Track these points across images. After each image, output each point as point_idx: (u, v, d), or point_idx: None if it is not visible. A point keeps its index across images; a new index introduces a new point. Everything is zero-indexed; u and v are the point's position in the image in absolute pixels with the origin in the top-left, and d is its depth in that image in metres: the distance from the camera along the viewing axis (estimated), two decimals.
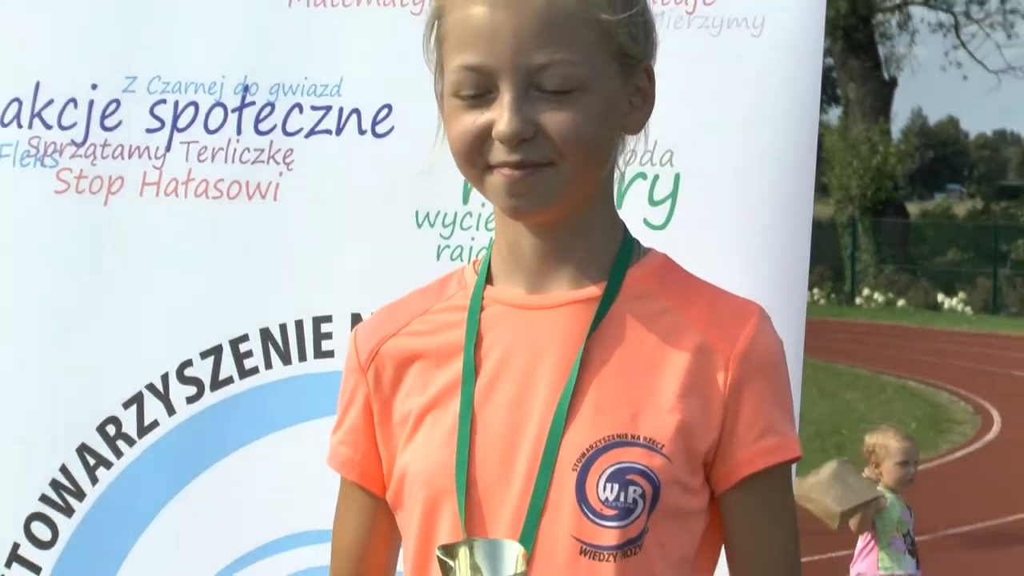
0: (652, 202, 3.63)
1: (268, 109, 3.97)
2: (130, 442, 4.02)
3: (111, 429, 4.03)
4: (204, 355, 3.98)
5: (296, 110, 3.95)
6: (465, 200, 3.78)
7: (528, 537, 2.50)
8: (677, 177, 3.66)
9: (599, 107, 2.51)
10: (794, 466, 2.69)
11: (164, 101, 4.04)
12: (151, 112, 4.05)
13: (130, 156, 4.05)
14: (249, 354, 3.95)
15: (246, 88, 3.99)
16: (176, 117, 4.03)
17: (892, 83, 57.56)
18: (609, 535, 2.50)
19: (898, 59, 60.08)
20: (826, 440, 18.06)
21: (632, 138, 2.66)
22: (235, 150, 3.99)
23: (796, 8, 3.66)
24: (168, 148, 4.03)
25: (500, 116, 2.47)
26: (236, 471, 3.95)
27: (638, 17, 2.57)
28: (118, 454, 4.03)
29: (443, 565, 2.43)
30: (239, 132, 3.98)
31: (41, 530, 4.06)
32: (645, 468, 2.50)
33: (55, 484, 4.05)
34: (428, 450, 2.61)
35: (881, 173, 51.07)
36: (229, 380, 3.97)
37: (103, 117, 4.08)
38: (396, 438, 2.67)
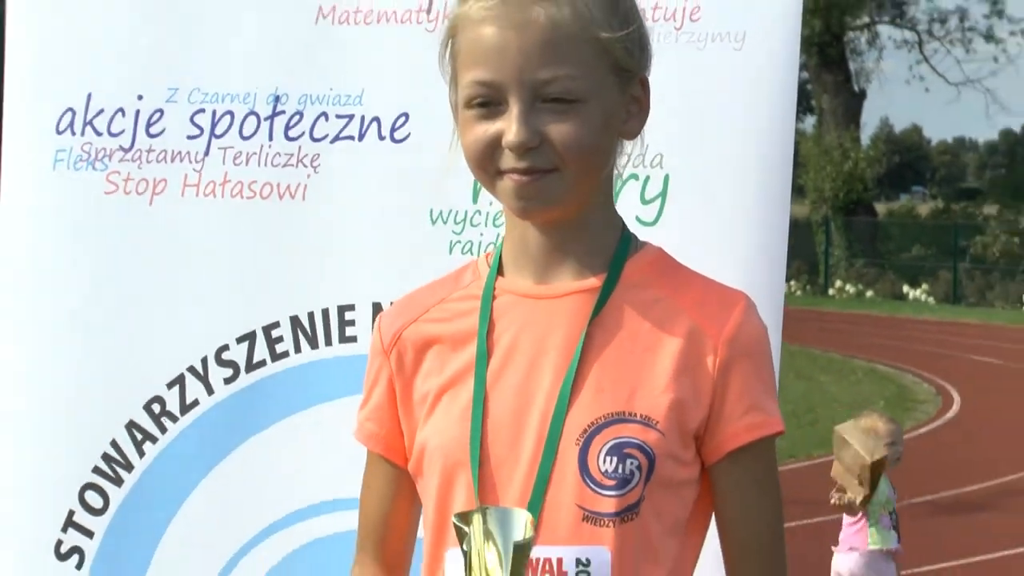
0: (644, 201, 3.63)
1: (297, 117, 3.96)
2: (173, 419, 4.02)
3: (156, 407, 4.03)
4: (240, 340, 3.98)
5: (322, 118, 3.94)
6: (475, 199, 3.77)
7: (535, 505, 2.51)
8: (666, 178, 3.66)
9: (599, 117, 2.52)
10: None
11: (203, 110, 4.03)
12: (191, 120, 4.04)
13: (172, 160, 4.05)
14: (280, 339, 3.95)
15: (277, 98, 3.98)
16: (214, 125, 4.02)
17: (861, 95, 57.66)
18: (608, 503, 2.51)
19: (867, 73, 60.22)
20: (802, 418, 18.06)
21: (629, 143, 2.66)
22: (267, 155, 3.98)
23: (775, 25, 3.65)
24: (207, 153, 4.03)
25: (509, 127, 2.49)
26: (269, 445, 3.95)
27: (634, 33, 2.58)
28: (163, 430, 4.02)
29: (459, 531, 2.42)
30: (271, 138, 3.98)
31: (94, 498, 4.06)
32: (641, 443, 2.52)
33: (106, 457, 4.05)
34: (445, 426, 2.62)
35: (852, 176, 51.10)
36: (262, 363, 3.97)
37: (148, 125, 4.07)
38: (416, 415, 2.68)
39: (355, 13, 3.92)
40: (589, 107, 2.51)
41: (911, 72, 69.49)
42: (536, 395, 2.57)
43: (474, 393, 2.60)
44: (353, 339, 3.89)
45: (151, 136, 4.07)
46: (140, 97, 4.08)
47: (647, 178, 3.63)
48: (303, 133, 3.96)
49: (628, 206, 2.82)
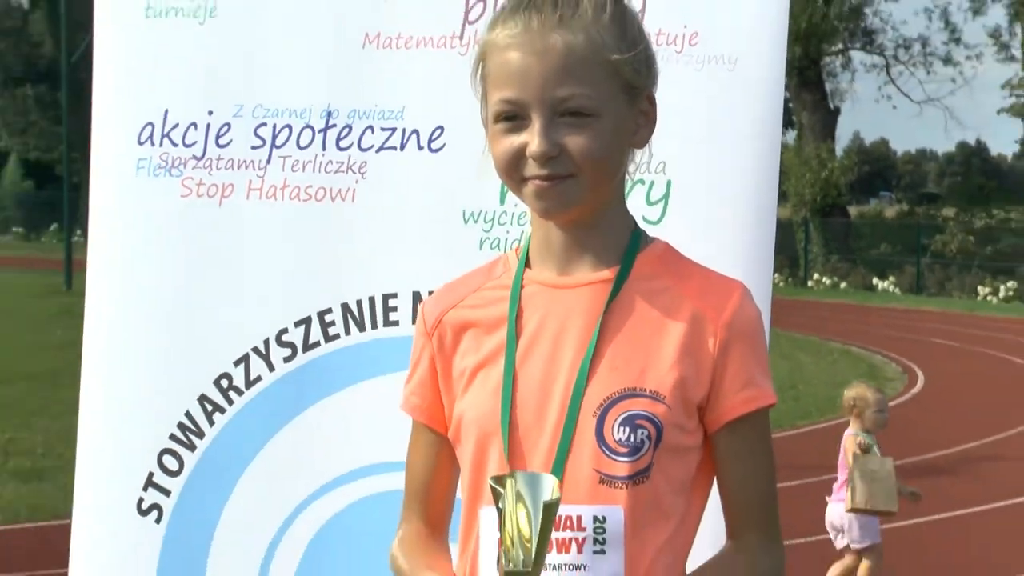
0: (649, 203, 3.63)
1: (346, 130, 3.96)
2: (239, 392, 4.03)
3: (224, 383, 4.03)
4: (297, 324, 3.98)
5: (368, 131, 3.94)
6: (502, 201, 3.77)
7: (558, 469, 2.52)
8: (669, 183, 3.66)
9: (610, 129, 2.52)
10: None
11: (265, 124, 4.03)
12: (255, 133, 4.04)
13: (238, 168, 4.05)
14: (332, 323, 3.95)
15: (329, 113, 3.98)
16: (274, 136, 4.02)
17: (836, 112, 57.58)
18: (622, 468, 2.52)
19: (841, 93, 60.12)
20: (785, 394, 18.03)
21: (638, 151, 2.67)
22: (320, 162, 3.98)
23: (763, 50, 3.65)
24: (268, 161, 4.03)
25: (532, 139, 2.50)
26: (323, 415, 3.95)
27: (640, 55, 2.58)
28: (230, 402, 4.03)
29: (495, 492, 2.41)
30: (324, 148, 3.98)
31: (170, 462, 4.06)
32: (651, 415, 2.53)
33: (181, 426, 4.06)
34: (479, 400, 2.63)
35: (828, 183, 51.06)
36: (317, 344, 3.97)
37: (217, 137, 4.07)
38: (455, 389, 2.69)
39: (397, 39, 3.92)
40: (602, 121, 2.51)
41: (879, 92, 69.80)
42: (559, 373, 2.58)
43: (504, 371, 2.61)
44: (396, 323, 3.89)
45: (220, 146, 4.07)
46: (210, 112, 4.09)
47: (652, 183, 3.64)
48: (352, 144, 3.96)
49: (635, 207, 2.82)
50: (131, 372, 4.14)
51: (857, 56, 60.51)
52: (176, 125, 4.11)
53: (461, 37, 3.83)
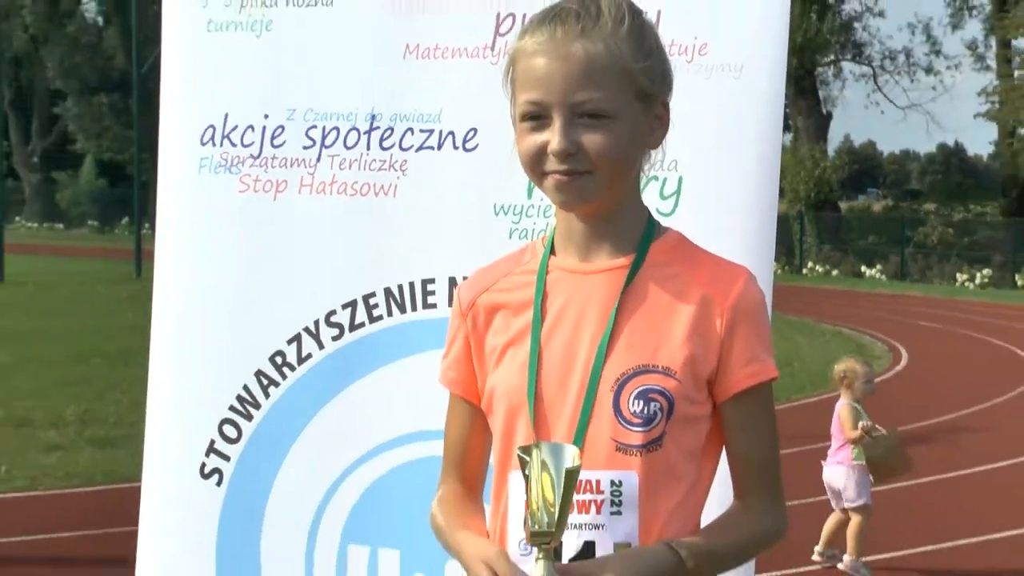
0: (662, 197, 3.62)
1: (389, 132, 3.95)
2: (292, 368, 4.02)
3: (278, 359, 4.03)
4: (344, 306, 3.97)
5: (409, 132, 3.93)
6: (529, 196, 3.76)
7: (579, 439, 2.52)
8: (680, 179, 3.65)
9: (625, 131, 2.52)
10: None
11: (315, 126, 4.03)
12: (306, 134, 4.04)
13: (291, 166, 4.05)
14: (376, 306, 3.94)
15: (373, 117, 3.97)
16: (324, 137, 4.02)
17: (828, 116, 57.56)
18: (636, 437, 2.52)
19: (832, 99, 60.04)
20: (782, 370, 17.49)
21: (653, 151, 2.67)
22: (365, 161, 3.97)
23: (766, 59, 3.63)
24: (318, 160, 4.02)
25: (553, 137, 2.50)
26: (367, 389, 3.95)
27: (655, 65, 2.58)
28: (283, 377, 4.03)
29: (522, 460, 2.43)
30: (368, 148, 3.97)
31: (229, 430, 4.06)
32: (663, 389, 2.52)
33: (239, 398, 4.06)
34: (508, 375, 2.63)
35: (821, 180, 51.01)
36: (362, 324, 3.96)
37: (272, 138, 4.07)
38: (487, 365, 2.69)
39: (434, 49, 3.92)
40: (617, 123, 2.51)
41: (867, 99, 69.49)
42: (579, 351, 2.57)
43: (531, 349, 2.61)
44: (433, 306, 3.88)
45: (275, 147, 4.07)
46: (266, 116, 4.08)
47: (665, 179, 3.63)
48: (394, 144, 3.95)
49: (649, 201, 2.81)
50: (194, 350, 4.15)
51: (847, 66, 60.64)
52: (235, 127, 4.11)
53: (492, 48, 3.82)
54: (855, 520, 9.27)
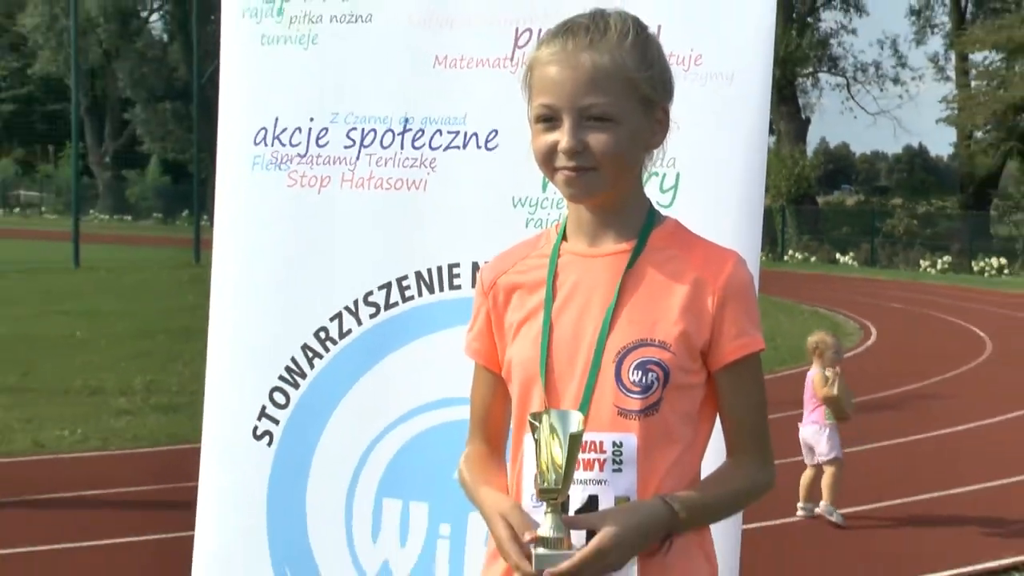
0: (662, 191, 3.61)
1: (420, 133, 3.94)
2: (333, 342, 4.02)
3: (322, 334, 4.03)
4: (380, 288, 3.97)
5: (437, 133, 3.92)
6: (543, 189, 3.75)
7: (585, 405, 2.53)
8: (678, 175, 3.63)
9: (627, 133, 2.52)
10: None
11: (355, 128, 4.02)
12: (347, 135, 4.03)
13: (334, 163, 4.04)
14: (408, 287, 3.94)
15: (406, 120, 3.96)
16: (363, 138, 4.01)
17: (807, 121, 57.67)
18: (635, 403, 2.52)
19: (811, 106, 60.02)
20: (766, 345, 17.97)
21: (654, 151, 2.67)
22: (399, 159, 3.96)
23: (754, 69, 3.62)
24: (357, 158, 4.02)
25: (563, 137, 2.51)
26: (400, 360, 3.94)
27: (656, 75, 2.59)
28: (326, 350, 4.03)
29: (532, 426, 2.45)
30: (402, 148, 3.97)
31: (279, 397, 4.06)
32: (659, 360, 2.52)
33: (287, 368, 4.06)
34: (523, 348, 2.63)
35: (800, 178, 51.12)
36: (395, 304, 3.95)
37: (317, 139, 4.07)
38: (506, 338, 2.69)
39: (460, 60, 3.91)
40: (621, 126, 2.51)
41: (842, 105, 69.75)
42: (586, 326, 2.57)
43: (543, 325, 2.61)
44: (459, 287, 3.87)
45: (319, 146, 4.06)
46: (311, 119, 4.08)
47: (664, 175, 3.61)
48: (424, 144, 3.94)
49: (650, 194, 2.80)
50: (248, 326, 4.15)
51: (824, 77, 60.43)
52: (284, 129, 4.11)
53: (512, 58, 3.81)
54: (828, 471, 9.36)
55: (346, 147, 4.04)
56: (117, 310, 23.28)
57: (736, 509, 2.83)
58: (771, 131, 59.95)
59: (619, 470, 2.52)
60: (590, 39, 2.52)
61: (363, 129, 4.02)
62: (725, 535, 3.30)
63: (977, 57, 52.96)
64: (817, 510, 9.36)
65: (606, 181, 2.54)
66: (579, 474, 2.50)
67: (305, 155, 4.08)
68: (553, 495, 2.44)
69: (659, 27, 3.53)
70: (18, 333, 19.43)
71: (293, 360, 4.06)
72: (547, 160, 2.57)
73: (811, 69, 58.78)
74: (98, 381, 14.89)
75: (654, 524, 2.49)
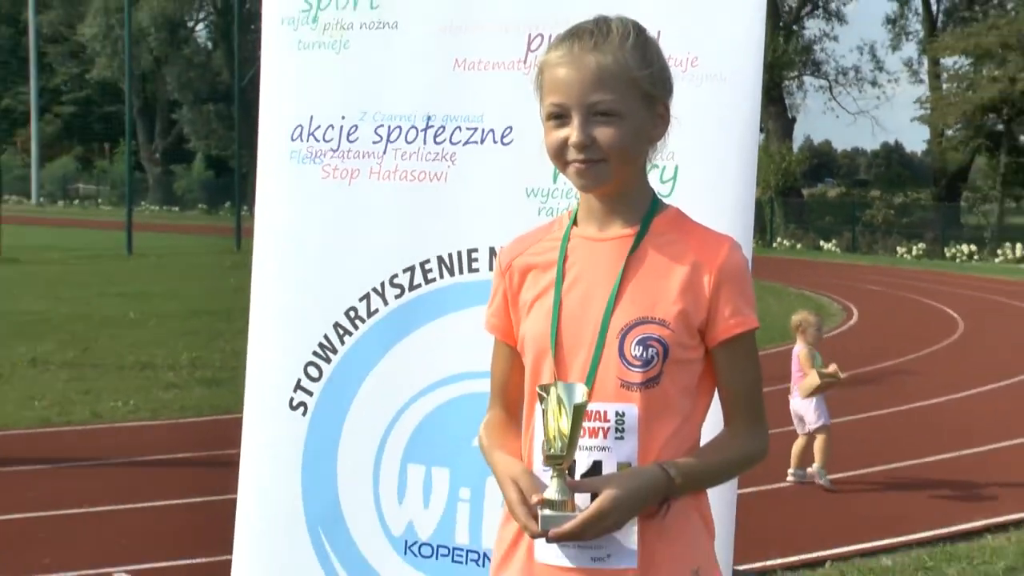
0: (661, 181, 3.59)
1: (441, 129, 3.93)
2: (362, 321, 4.01)
3: (352, 313, 4.02)
4: (404, 270, 3.95)
5: (457, 130, 3.91)
6: (554, 180, 3.73)
7: (590, 378, 2.51)
8: (676, 168, 3.62)
9: (631, 127, 2.52)
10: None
11: (382, 125, 4.01)
12: (375, 132, 4.02)
13: (363, 157, 4.03)
14: (430, 270, 3.92)
15: (429, 118, 3.95)
16: (389, 134, 4.00)
17: (793, 120, 57.58)
18: (636, 376, 2.51)
19: (796, 106, 59.91)
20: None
21: (656, 144, 2.66)
22: (423, 153, 3.95)
23: (746, 71, 3.61)
24: (384, 153, 4.00)
25: (572, 132, 2.51)
26: (424, 337, 3.93)
27: (656, 72, 2.58)
28: (356, 328, 4.01)
29: (540, 397, 2.46)
30: (425, 143, 3.95)
31: (312, 371, 4.06)
32: (659, 337, 2.51)
33: (320, 345, 4.05)
34: (535, 323, 2.62)
35: (787, 172, 51.10)
36: (419, 285, 3.94)
37: (348, 135, 4.05)
38: (520, 315, 2.69)
39: (478, 63, 3.89)
40: (625, 121, 2.51)
41: (825, 106, 70.02)
42: (593, 304, 2.57)
43: (553, 303, 2.60)
44: (476, 270, 3.86)
45: (350, 142, 4.05)
46: (343, 117, 4.07)
47: (664, 167, 3.60)
48: (445, 140, 3.93)
49: (651, 184, 2.79)
50: (285, 306, 4.13)
51: (808, 80, 60.32)
52: (318, 126, 4.10)
53: (525, 61, 3.79)
54: (819, 438, 9.38)
55: (374, 142, 4.02)
56: (166, 292, 23.33)
57: (731, 475, 2.82)
58: (760, 129, 60.18)
59: (621, 438, 2.51)
60: (594, 42, 2.52)
61: (389, 126, 4.00)
62: (721, 499, 3.29)
63: (948, 61, 52.95)
64: (809, 470, 9.37)
65: (613, 172, 2.53)
66: (584, 441, 2.49)
67: (337, 150, 4.07)
68: (559, 461, 2.45)
69: (659, 32, 3.51)
70: (77, 313, 19.49)
71: (326, 337, 4.05)
72: (559, 154, 2.56)
73: (796, 73, 58.69)
74: (149, 357, 14.92)
75: (652, 488, 2.48)
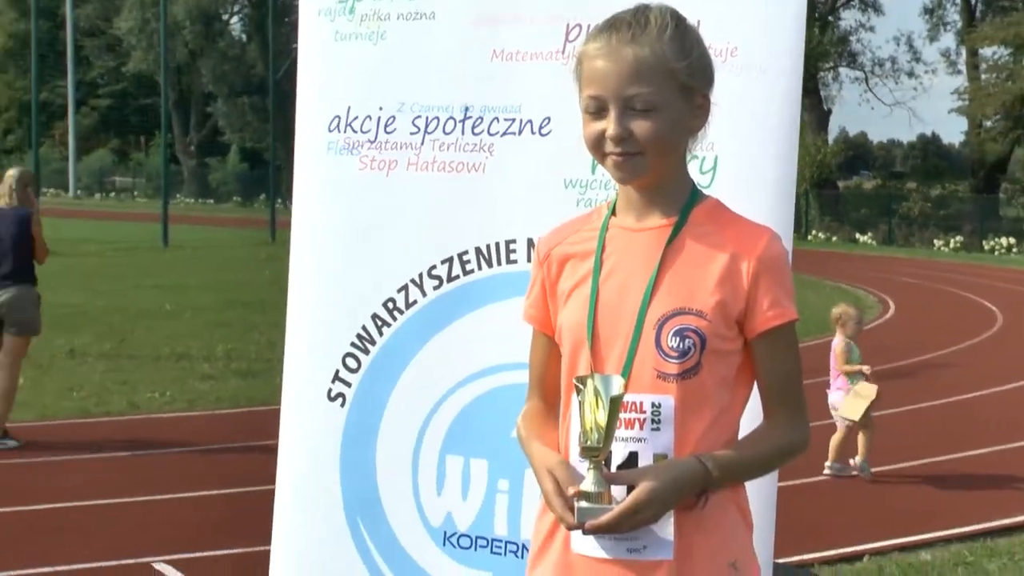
0: (701, 172, 3.57)
1: (479, 120, 3.92)
2: (400, 312, 4.01)
3: (390, 304, 4.02)
4: (443, 262, 3.95)
5: (495, 120, 3.90)
6: (593, 171, 3.73)
7: (627, 368, 2.50)
8: (716, 158, 3.60)
9: (668, 120, 2.50)
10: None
11: (420, 116, 4.01)
12: (412, 123, 4.02)
13: (401, 148, 4.03)
14: (468, 261, 3.92)
15: (467, 108, 3.94)
16: (427, 125, 4.00)
17: (828, 112, 57.34)
18: (673, 367, 2.49)
19: (832, 98, 59.61)
20: None
21: (696, 134, 2.64)
22: (460, 144, 3.95)
23: (786, 61, 3.58)
24: (422, 143, 4.00)
25: (609, 125, 2.50)
26: (462, 328, 3.93)
27: (695, 63, 2.55)
28: (394, 319, 4.02)
29: (577, 389, 2.45)
30: (462, 134, 3.95)
31: (351, 361, 4.06)
32: (696, 328, 2.50)
33: (359, 336, 4.06)
34: (572, 313, 2.61)
35: (822, 164, 50.87)
36: (457, 277, 3.94)
37: (386, 126, 4.06)
38: (558, 304, 2.68)
39: (516, 54, 3.88)
40: (662, 113, 2.49)
41: (860, 97, 69.38)
42: (630, 295, 2.55)
43: (590, 293, 2.59)
44: (515, 261, 3.85)
45: (388, 133, 4.05)
46: (380, 108, 4.07)
47: (703, 157, 3.58)
48: (483, 131, 3.92)
49: (691, 175, 2.78)
50: (323, 297, 4.14)
51: (844, 71, 60.02)
52: (356, 117, 4.10)
53: (563, 52, 3.78)
54: (863, 431, 9.33)
55: (412, 134, 4.02)
56: (201, 284, 23.45)
57: (770, 468, 2.80)
58: None
59: (657, 429, 2.50)
60: (632, 34, 2.50)
61: (427, 117, 4.00)
62: (761, 493, 3.28)
63: (987, 52, 52.57)
64: (852, 462, 9.34)
65: (650, 164, 2.52)
66: (620, 432, 2.48)
67: (375, 141, 4.07)
68: (595, 453, 2.44)
69: (698, 21, 3.49)
70: (114, 305, 19.62)
71: (364, 328, 4.05)
72: (597, 146, 2.55)
73: (832, 64, 58.34)
74: (185, 348, 15.00)
75: (689, 481, 2.47)
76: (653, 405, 2.50)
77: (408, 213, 4.01)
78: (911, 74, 59.61)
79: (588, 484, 2.45)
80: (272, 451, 4.25)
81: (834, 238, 47.42)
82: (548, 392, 2.76)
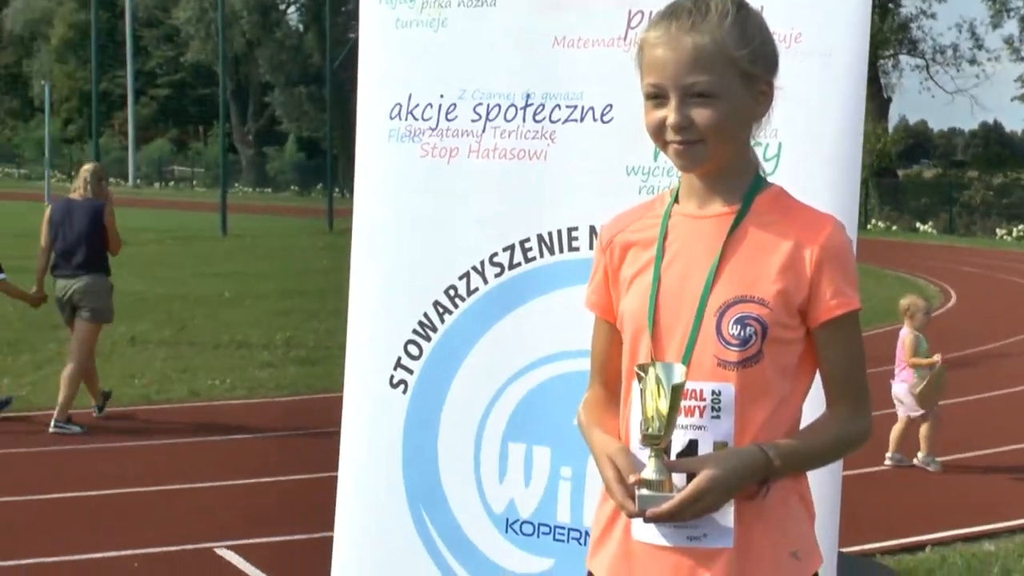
0: (765, 159, 3.55)
1: (541, 107, 3.93)
2: (462, 299, 4.03)
3: (451, 292, 4.04)
4: (504, 249, 3.97)
5: (557, 108, 3.91)
6: (655, 158, 3.72)
7: (687, 356, 2.49)
8: (780, 144, 3.59)
9: (728, 108, 2.48)
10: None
11: (481, 103, 4.02)
12: (474, 110, 4.03)
13: (462, 136, 4.04)
14: (530, 249, 3.93)
15: (528, 95, 3.95)
16: (488, 113, 4.01)
17: (888, 100, 56.74)
18: (733, 355, 2.48)
19: (892, 86, 58.93)
20: None
21: (760, 121, 2.62)
22: (522, 132, 3.95)
23: (851, 47, 3.56)
24: (483, 131, 4.01)
25: (670, 114, 2.49)
26: (524, 316, 3.94)
27: (757, 51, 2.53)
28: (455, 306, 4.04)
29: (638, 376, 2.44)
30: (524, 121, 3.95)
31: (413, 349, 4.08)
32: (757, 316, 2.48)
33: (420, 324, 4.08)
34: (634, 300, 2.60)
35: (882, 152, 50.39)
36: (519, 264, 3.95)
37: (447, 113, 4.07)
38: (620, 291, 2.66)
39: (578, 41, 3.88)
40: (722, 101, 2.47)
41: (921, 85, 68.55)
42: (691, 282, 2.53)
43: (652, 280, 2.57)
44: (576, 249, 3.86)
45: (449, 120, 4.07)
46: (442, 96, 4.08)
47: (767, 144, 3.57)
48: (545, 118, 3.93)
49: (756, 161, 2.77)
50: (385, 284, 4.17)
51: (904, 59, 59.35)
52: (417, 105, 4.12)
53: (625, 38, 3.78)
54: (924, 424, 9.25)
55: (473, 121, 4.03)
56: (260, 273, 23.60)
57: (833, 458, 2.78)
58: None
59: (717, 417, 2.49)
60: (692, 22, 2.48)
61: (488, 104, 4.01)
62: (825, 482, 3.27)
63: None
64: (915, 461, 9.25)
65: (711, 152, 2.50)
66: (680, 419, 2.47)
67: (436, 128, 4.08)
68: (656, 441, 2.43)
69: (762, 7, 3.47)
70: (174, 293, 19.79)
71: (426, 315, 4.07)
72: (658, 134, 2.53)
73: (892, 52, 57.78)
74: (244, 336, 15.11)
75: (750, 469, 2.45)
76: (713, 393, 2.49)
77: (470, 201, 4.02)
78: (973, 61, 58.90)
79: (649, 472, 2.45)
80: (332, 438, 4.28)
81: (894, 227, 47.08)
82: (610, 379, 2.75)
